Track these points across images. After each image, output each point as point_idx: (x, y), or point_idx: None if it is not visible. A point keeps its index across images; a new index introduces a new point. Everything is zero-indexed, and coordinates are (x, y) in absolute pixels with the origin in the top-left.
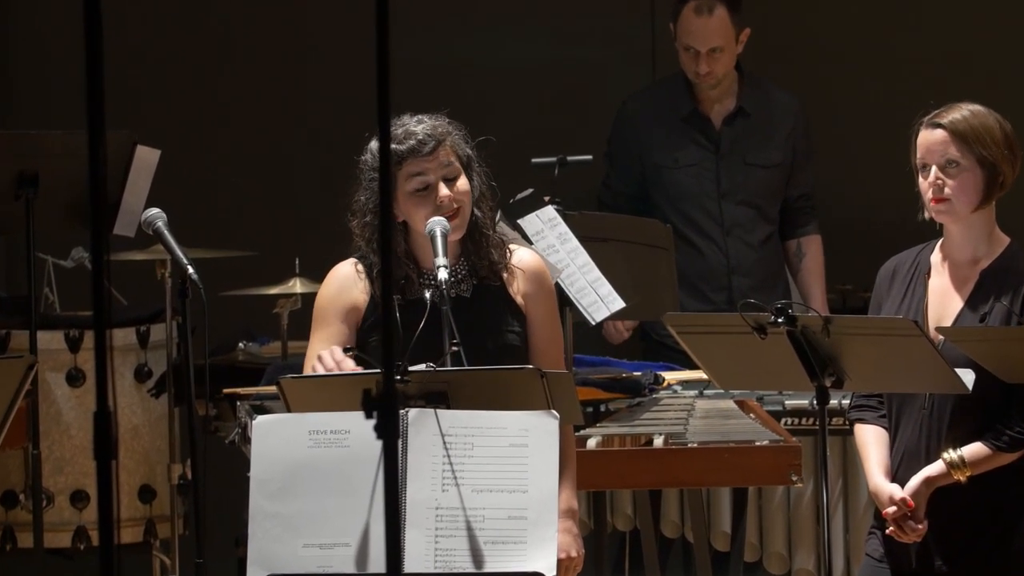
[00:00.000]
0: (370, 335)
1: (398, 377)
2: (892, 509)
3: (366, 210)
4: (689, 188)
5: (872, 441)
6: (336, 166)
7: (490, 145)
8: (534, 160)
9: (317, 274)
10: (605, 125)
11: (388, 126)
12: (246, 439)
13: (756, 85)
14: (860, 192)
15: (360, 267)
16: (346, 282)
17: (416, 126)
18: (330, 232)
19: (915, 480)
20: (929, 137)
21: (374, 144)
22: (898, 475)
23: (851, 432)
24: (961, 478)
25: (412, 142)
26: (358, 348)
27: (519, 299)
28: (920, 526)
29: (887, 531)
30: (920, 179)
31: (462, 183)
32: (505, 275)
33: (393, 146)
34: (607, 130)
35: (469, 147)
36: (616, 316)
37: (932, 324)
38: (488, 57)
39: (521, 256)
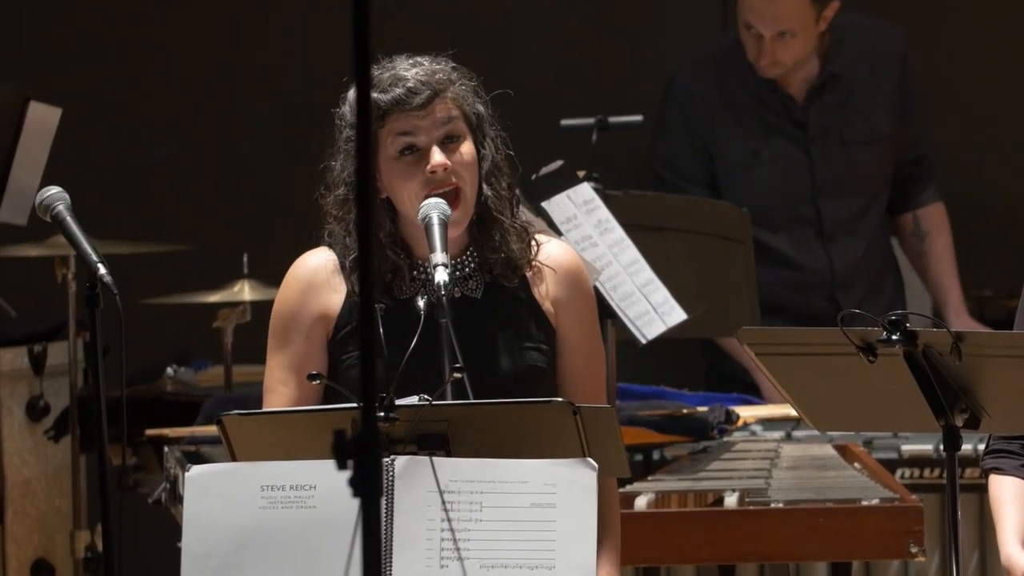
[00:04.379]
0: (344, 348)
1: (381, 413)
2: None
3: (341, 180)
4: (775, 188)
5: (1009, 498)
6: (299, 136)
7: (508, 101)
8: (565, 122)
9: (271, 276)
10: (658, 78)
11: (368, 74)
12: (176, 497)
13: (844, 29)
14: (998, 172)
15: (332, 255)
16: (314, 279)
17: (408, 69)
18: (289, 221)
19: None
20: None
21: (352, 93)
22: None
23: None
24: None
25: (399, 90)
26: (330, 368)
27: (547, 305)
28: None
29: None
30: None
31: (466, 149)
32: (529, 273)
33: (375, 95)
34: (660, 84)
35: (480, 103)
36: (676, 332)
37: None
38: None
39: (550, 251)
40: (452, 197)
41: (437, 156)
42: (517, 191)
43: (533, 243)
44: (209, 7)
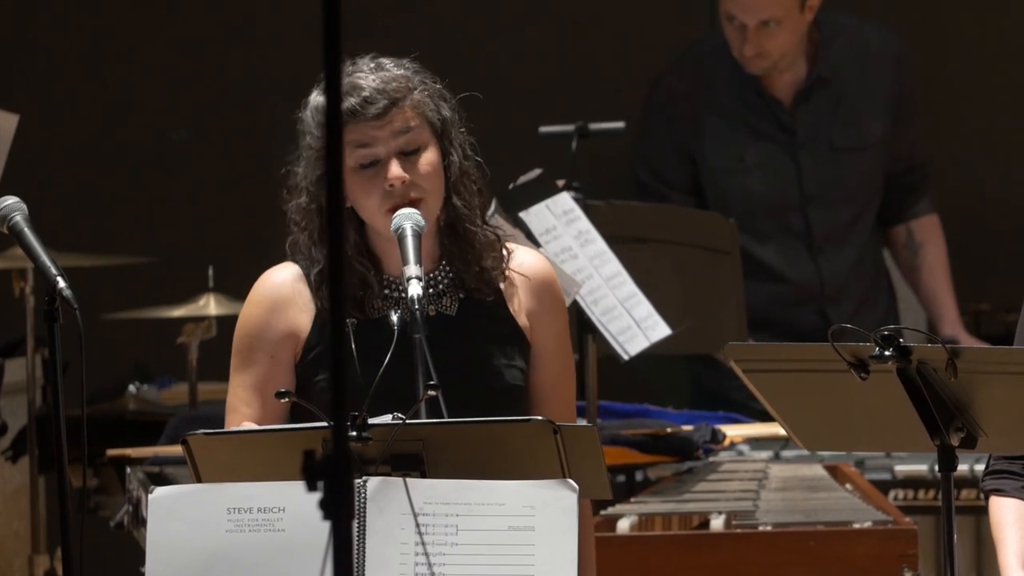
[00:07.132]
0: (316, 370)
1: (353, 433)
2: None
3: (303, 188)
4: (761, 196)
5: (1011, 521)
6: (265, 146)
7: (485, 108)
8: (543, 129)
9: (237, 290)
10: (642, 83)
11: (338, 77)
12: (139, 520)
13: (835, 32)
14: (996, 182)
15: (297, 271)
16: (280, 296)
17: (365, 77)
18: (256, 233)
19: None
20: None
21: (315, 96)
22: None
23: (986, 509)
24: None
25: (355, 100)
26: (298, 390)
27: (522, 319)
28: None
29: None
30: None
31: (427, 159)
32: (503, 285)
33: None
34: (644, 90)
35: (447, 107)
36: (659, 348)
37: None
38: None
39: (522, 259)
40: (415, 207)
41: (395, 169)
42: (494, 203)
43: (504, 251)
44: (176, 22)
